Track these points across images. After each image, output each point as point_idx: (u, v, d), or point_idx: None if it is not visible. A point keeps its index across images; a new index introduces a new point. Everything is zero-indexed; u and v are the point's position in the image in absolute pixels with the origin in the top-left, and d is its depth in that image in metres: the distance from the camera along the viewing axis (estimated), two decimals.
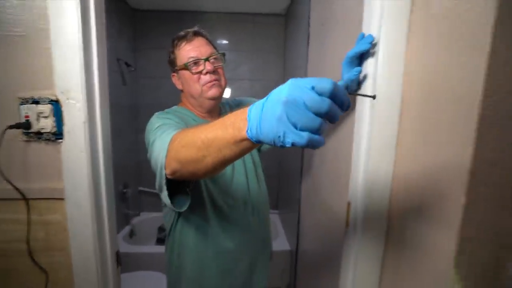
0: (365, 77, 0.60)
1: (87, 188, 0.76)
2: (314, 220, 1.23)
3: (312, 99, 0.33)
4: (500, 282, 0.42)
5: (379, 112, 0.57)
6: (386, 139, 0.57)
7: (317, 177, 1.17)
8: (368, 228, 0.62)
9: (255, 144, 0.40)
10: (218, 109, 0.93)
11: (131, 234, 2.14)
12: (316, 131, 0.34)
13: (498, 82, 0.36)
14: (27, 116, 0.73)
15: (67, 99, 0.73)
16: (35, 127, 0.74)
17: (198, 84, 0.81)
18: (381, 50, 0.55)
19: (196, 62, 0.81)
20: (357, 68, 0.60)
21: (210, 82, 0.81)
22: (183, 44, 0.82)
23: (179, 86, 0.88)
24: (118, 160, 1.88)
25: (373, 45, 0.56)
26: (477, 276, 0.43)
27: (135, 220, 2.29)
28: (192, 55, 0.80)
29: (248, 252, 0.90)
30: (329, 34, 1.02)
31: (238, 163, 0.89)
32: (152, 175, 0.61)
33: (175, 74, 0.88)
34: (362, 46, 0.57)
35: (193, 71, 0.80)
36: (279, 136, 0.34)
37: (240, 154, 0.43)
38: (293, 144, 0.34)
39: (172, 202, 0.60)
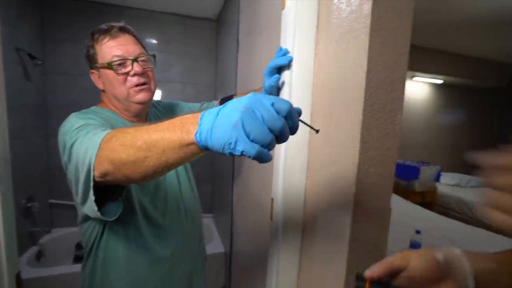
0: (283, 83, 0.68)
1: None
2: (245, 220, 1.29)
3: (270, 114, 0.34)
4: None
5: None
6: (301, 140, 0.66)
7: (247, 178, 1.24)
8: (288, 221, 0.70)
9: (201, 150, 0.39)
10: (145, 112, 0.87)
11: (39, 255, 1.82)
12: (266, 145, 0.35)
13: (372, 91, 0.51)
14: None
15: None
16: None
17: (124, 86, 0.74)
18: (295, 65, 0.64)
19: (121, 63, 0.73)
20: (276, 76, 0.67)
21: (138, 85, 0.75)
22: (106, 39, 0.74)
23: (100, 86, 0.78)
24: (20, 167, 1.60)
25: (290, 60, 0.65)
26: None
27: (44, 239, 1.96)
28: (117, 53, 0.73)
29: (185, 258, 0.86)
30: (256, 42, 1.10)
31: None
32: (66, 184, 0.54)
33: (94, 71, 0.77)
34: (281, 61, 0.65)
35: (119, 71, 0.73)
36: (231, 143, 0.34)
37: (183, 160, 0.42)
38: (242, 153, 0.35)
39: (99, 210, 0.54)
